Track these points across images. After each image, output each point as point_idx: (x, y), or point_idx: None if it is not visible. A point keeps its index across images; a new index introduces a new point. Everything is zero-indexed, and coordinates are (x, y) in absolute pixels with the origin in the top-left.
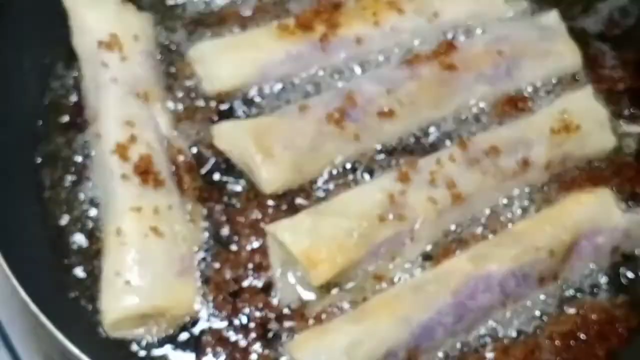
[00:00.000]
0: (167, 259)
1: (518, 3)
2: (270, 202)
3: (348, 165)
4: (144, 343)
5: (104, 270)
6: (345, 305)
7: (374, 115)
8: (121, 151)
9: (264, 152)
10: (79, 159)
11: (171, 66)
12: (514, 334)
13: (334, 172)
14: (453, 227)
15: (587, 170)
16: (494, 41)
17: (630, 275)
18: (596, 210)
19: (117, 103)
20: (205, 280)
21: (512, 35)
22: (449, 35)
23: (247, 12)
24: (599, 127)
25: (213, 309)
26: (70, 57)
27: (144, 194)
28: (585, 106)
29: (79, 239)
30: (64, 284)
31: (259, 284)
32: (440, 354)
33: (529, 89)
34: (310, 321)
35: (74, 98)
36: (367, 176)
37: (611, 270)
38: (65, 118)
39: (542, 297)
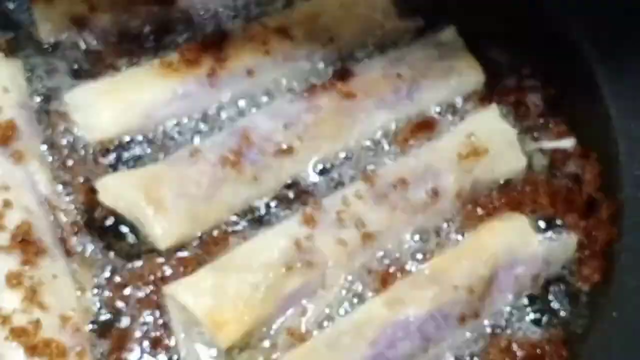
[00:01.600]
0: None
1: (413, 20)
2: (166, 259)
3: (248, 212)
4: None
5: None
6: None
7: (272, 153)
8: None
9: (155, 204)
10: None
11: (48, 116)
12: None
13: (233, 219)
14: (365, 269)
15: (500, 193)
16: (391, 63)
17: (554, 305)
18: (512, 239)
19: None
20: (102, 356)
21: (410, 55)
22: (347, 59)
23: (127, 50)
24: (508, 148)
25: None
26: None
27: (25, 264)
28: (492, 127)
29: None
30: None
31: (160, 355)
32: None
33: (433, 112)
34: None
35: None
36: (270, 221)
37: (535, 301)
38: None
39: (465, 336)
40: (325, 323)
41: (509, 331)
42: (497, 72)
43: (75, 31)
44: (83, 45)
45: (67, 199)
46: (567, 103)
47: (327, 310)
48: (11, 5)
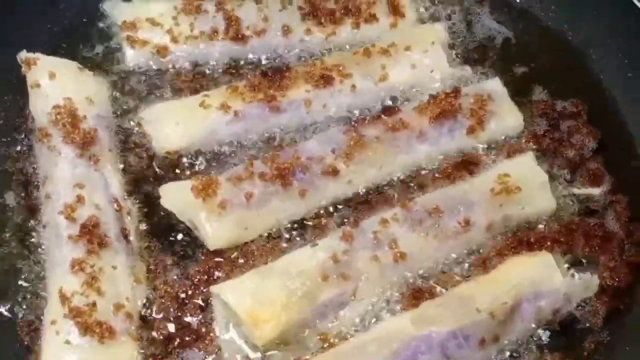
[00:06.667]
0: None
1: (461, 69)
2: (215, 261)
3: (293, 225)
4: None
5: (45, 329)
6: None
7: (319, 174)
8: (69, 212)
9: (208, 210)
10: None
11: (123, 128)
12: None
13: (279, 230)
14: (396, 286)
15: (529, 232)
16: None
17: (570, 336)
18: (538, 273)
19: (68, 165)
20: (148, 343)
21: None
22: (396, 98)
23: (200, 78)
24: (540, 190)
25: None
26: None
27: (89, 254)
28: (526, 169)
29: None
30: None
31: (202, 347)
32: None
33: (472, 150)
34: None
35: (25, 162)
36: (312, 234)
37: (554, 332)
38: (18, 180)
39: (484, 358)
40: (355, 331)
41: (526, 357)
42: (536, 114)
43: (157, 58)
44: (162, 71)
45: (133, 201)
46: (603, 149)
47: (357, 320)
48: (102, 25)
